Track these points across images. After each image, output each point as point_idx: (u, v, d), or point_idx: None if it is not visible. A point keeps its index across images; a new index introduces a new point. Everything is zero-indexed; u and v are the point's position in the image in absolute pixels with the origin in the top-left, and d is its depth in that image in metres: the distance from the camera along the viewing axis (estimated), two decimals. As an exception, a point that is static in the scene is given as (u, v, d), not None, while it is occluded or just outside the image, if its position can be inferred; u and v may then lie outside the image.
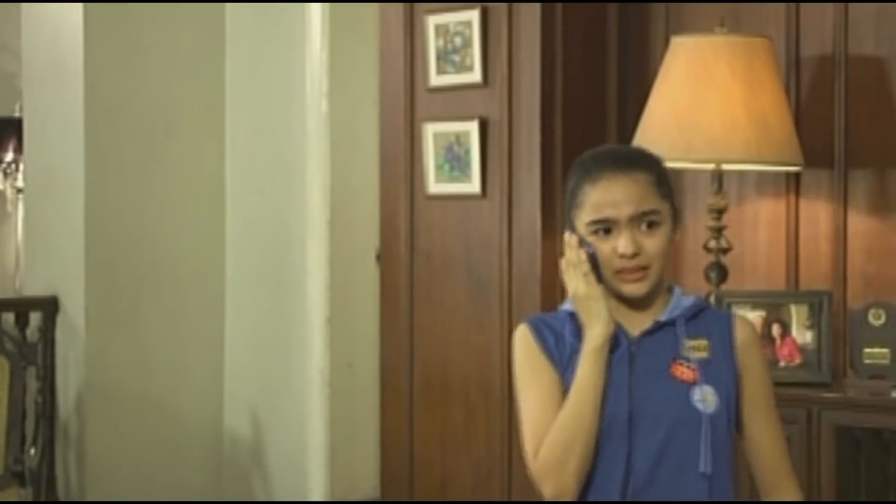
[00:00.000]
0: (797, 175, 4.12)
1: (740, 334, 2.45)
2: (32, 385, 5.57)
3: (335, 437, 5.67)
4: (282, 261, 5.82)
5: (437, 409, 4.52)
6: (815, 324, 3.93)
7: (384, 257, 4.71)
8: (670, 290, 2.49)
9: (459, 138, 4.44)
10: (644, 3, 4.45)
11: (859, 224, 4.05)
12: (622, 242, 2.38)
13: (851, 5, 4.06)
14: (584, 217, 2.42)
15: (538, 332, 2.49)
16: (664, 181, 2.45)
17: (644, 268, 2.39)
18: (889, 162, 4.02)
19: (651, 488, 2.36)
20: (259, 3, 5.80)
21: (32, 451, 5.46)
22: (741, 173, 4.18)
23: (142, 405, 5.73)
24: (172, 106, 5.83)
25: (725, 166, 3.92)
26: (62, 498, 5.62)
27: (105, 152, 5.63)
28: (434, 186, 4.53)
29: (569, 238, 2.43)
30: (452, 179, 4.47)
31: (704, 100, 3.79)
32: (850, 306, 4.01)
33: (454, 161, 4.46)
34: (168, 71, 5.81)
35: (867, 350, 3.90)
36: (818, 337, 3.92)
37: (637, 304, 2.44)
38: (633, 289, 2.40)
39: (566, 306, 2.50)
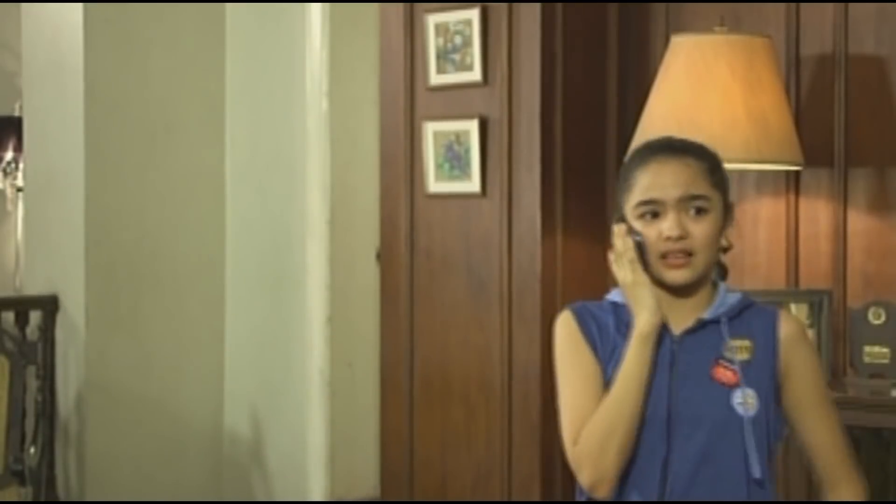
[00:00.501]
0: (797, 174, 4.12)
1: (784, 332, 2.41)
2: (32, 384, 5.57)
3: (335, 436, 5.68)
4: (282, 260, 5.82)
5: (437, 408, 4.52)
6: (815, 323, 3.93)
7: (384, 256, 4.71)
8: (716, 285, 2.45)
9: (459, 137, 4.44)
10: (644, 3, 4.46)
11: (859, 223, 4.05)
12: (668, 224, 2.35)
13: (851, 4, 4.06)
14: (632, 199, 2.39)
15: (582, 319, 2.46)
16: (717, 171, 2.42)
17: (689, 253, 2.35)
18: (889, 161, 4.02)
19: (691, 493, 2.33)
20: (259, 3, 5.80)
21: (32, 449, 5.46)
22: (741, 172, 4.18)
23: (142, 404, 5.73)
24: (172, 105, 5.83)
25: (725, 165, 3.91)
26: (62, 497, 5.62)
27: (105, 151, 5.63)
28: (434, 185, 4.53)
29: (617, 228, 2.40)
30: (452, 178, 4.47)
31: (704, 99, 3.79)
32: (850, 305, 4.01)
33: (454, 160, 4.46)
34: (168, 70, 5.81)
35: (867, 349, 3.90)
36: (818, 336, 3.92)
37: (681, 294, 2.39)
38: (677, 275, 2.36)
39: (611, 296, 2.47)
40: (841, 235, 4.06)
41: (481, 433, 4.42)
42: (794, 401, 2.41)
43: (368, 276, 5.54)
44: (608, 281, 4.47)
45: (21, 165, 6.93)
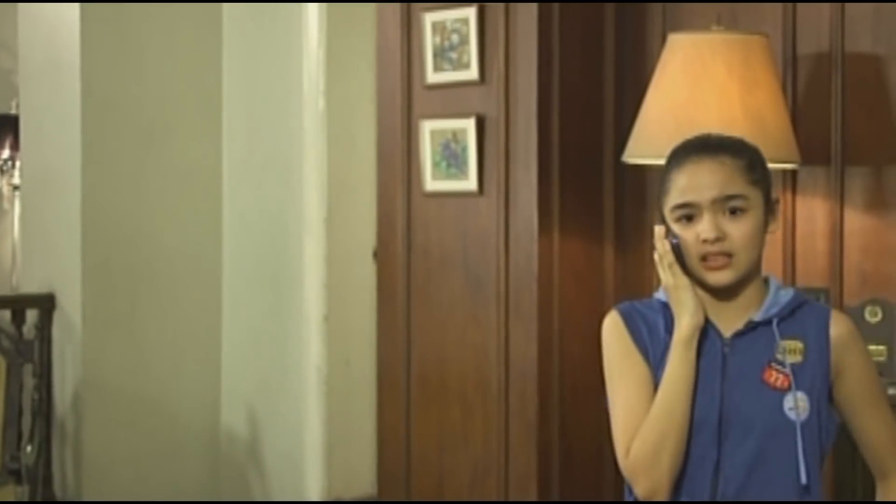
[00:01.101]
0: (794, 172, 4.12)
1: (836, 332, 2.38)
2: (29, 382, 5.57)
3: (332, 434, 5.67)
4: (279, 258, 5.82)
5: (434, 406, 4.53)
6: (811, 321, 3.93)
7: (381, 254, 4.71)
8: (767, 283, 2.42)
9: (456, 135, 4.44)
10: (641, 2, 4.46)
11: (856, 221, 4.05)
12: (703, 227, 2.32)
13: (848, 4, 4.06)
14: (669, 202, 2.37)
15: (631, 321, 2.43)
16: (756, 168, 2.38)
17: (728, 254, 2.32)
18: (886, 159, 4.03)
19: (742, 498, 2.32)
20: (256, 2, 5.80)
21: (29, 448, 5.46)
22: (738, 171, 4.18)
23: (138, 402, 5.73)
24: (169, 103, 5.83)
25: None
26: (58, 496, 5.62)
27: (102, 150, 5.63)
28: (431, 184, 4.53)
29: (657, 230, 2.37)
30: (449, 177, 4.47)
31: (701, 97, 3.80)
32: (847, 303, 4.01)
33: (451, 158, 4.46)
34: (165, 68, 5.81)
35: (864, 347, 3.91)
36: (815, 334, 3.92)
37: (727, 296, 2.37)
38: (717, 277, 2.33)
39: (659, 295, 2.44)
40: (837, 234, 4.06)
41: (478, 432, 4.42)
42: (847, 398, 2.39)
43: (365, 274, 5.54)
44: (605, 279, 4.49)
45: (17, 164, 6.93)
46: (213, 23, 5.93)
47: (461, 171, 4.43)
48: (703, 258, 2.33)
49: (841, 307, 4.01)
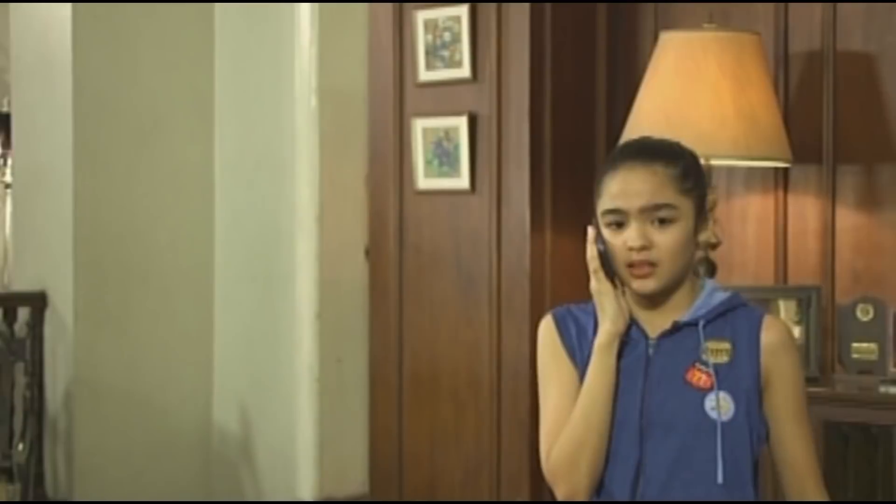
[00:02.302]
0: (785, 170, 4.13)
1: (767, 337, 2.35)
2: (20, 380, 5.56)
3: (324, 432, 5.67)
4: (271, 256, 5.82)
5: (426, 404, 4.53)
6: (803, 319, 3.94)
7: (373, 253, 4.71)
8: (703, 287, 2.41)
9: (448, 134, 4.44)
10: (633, 1, 4.46)
11: (847, 219, 4.05)
12: (630, 234, 2.32)
13: (840, 3, 4.06)
14: (600, 206, 2.38)
15: (562, 324, 2.44)
16: (689, 176, 2.36)
17: (653, 264, 2.32)
18: (877, 157, 4.03)
19: (665, 497, 2.31)
20: (248, 1, 5.80)
21: (20, 446, 5.45)
22: (730, 169, 4.18)
23: (130, 400, 5.72)
24: (161, 101, 5.82)
25: (714, 162, 3.92)
26: (50, 494, 5.61)
27: (94, 147, 5.62)
28: (423, 182, 4.52)
29: (589, 233, 2.39)
30: (441, 175, 4.47)
31: (693, 95, 3.80)
32: (839, 302, 4.02)
33: (443, 156, 4.46)
34: (157, 66, 5.80)
35: (855, 345, 3.91)
36: (806, 332, 3.93)
37: (654, 302, 2.37)
38: (641, 285, 2.33)
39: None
40: (829, 232, 4.07)
41: (470, 430, 4.42)
42: (771, 409, 2.36)
43: (357, 272, 5.53)
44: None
45: (9, 161, 6.92)
46: (205, 21, 5.92)
47: (453, 170, 4.43)
48: (630, 265, 2.34)
49: (832, 305, 4.02)
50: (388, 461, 4.62)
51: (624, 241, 2.33)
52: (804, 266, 4.11)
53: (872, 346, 3.89)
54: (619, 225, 2.35)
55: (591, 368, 2.35)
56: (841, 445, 3.70)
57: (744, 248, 4.19)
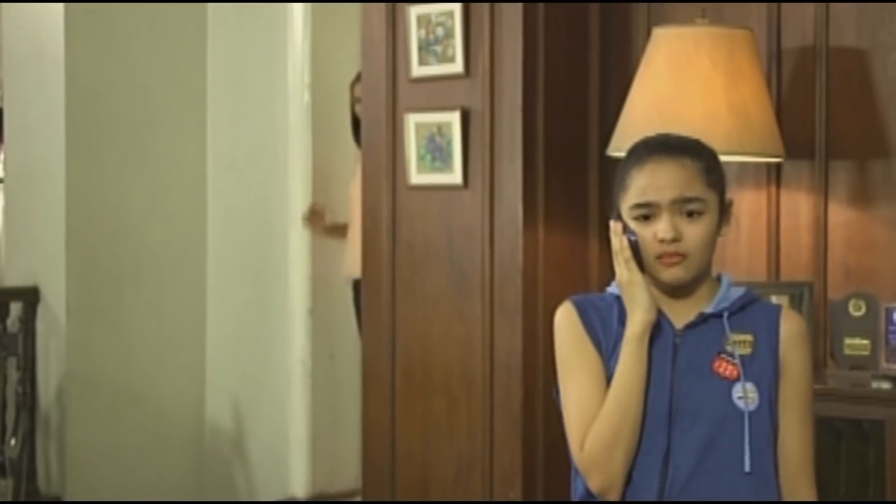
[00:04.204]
0: (778, 166, 4.13)
1: (785, 328, 2.41)
2: (13, 375, 5.56)
3: (317, 427, 5.68)
4: (263, 251, 5.82)
5: (418, 399, 4.53)
6: (795, 315, 3.94)
7: (366, 248, 4.71)
8: (720, 281, 2.46)
9: (441, 129, 4.43)
10: (626, -4, 4.46)
11: (840, 215, 4.06)
12: (662, 227, 2.35)
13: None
14: (628, 200, 2.40)
15: (584, 312, 2.45)
16: (714, 171, 2.42)
17: (683, 255, 2.36)
18: (869, 153, 4.03)
19: (692, 485, 2.34)
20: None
21: (13, 441, 5.46)
22: (722, 164, 4.18)
23: (123, 395, 5.72)
24: (154, 96, 5.82)
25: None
26: (43, 489, 5.61)
27: (86, 142, 5.62)
28: (416, 177, 4.52)
29: (614, 225, 2.40)
30: (434, 170, 4.47)
31: (686, 91, 3.80)
32: (831, 297, 4.02)
33: (436, 152, 4.45)
34: (150, 61, 5.80)
35: (847, 341, 3.92)
36: (799, 328, 3.92)
37: (680, 293, 2.41)
38: (672, 274, 2.37)
39: (612, 288, 2.47)
40: (822, 227, 4.07)
41: (463, 425, 4.42)
42: (780, 398, 2.40)
43: (350, 267, 5.54)
44: (589, 273, 4.49)
45: (1, 156, 6.91)
46: (198, 16, 5.92)
47: (446, 165, 4.43)
48: (659, 256, 2.37)
49: (825, 301, 4.02)
50: (380, 456, 4.62)
51: (654, 233, 2.37)
52: (796, 261, 4.12)
53: (865, 341, 3.89)
54: (647, 217, 2.38)
55: (624, 358, 2.37)
56: (833, 441, 3.70)
57: (736, 244, 4.19)
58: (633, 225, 2.39)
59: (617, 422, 2.35)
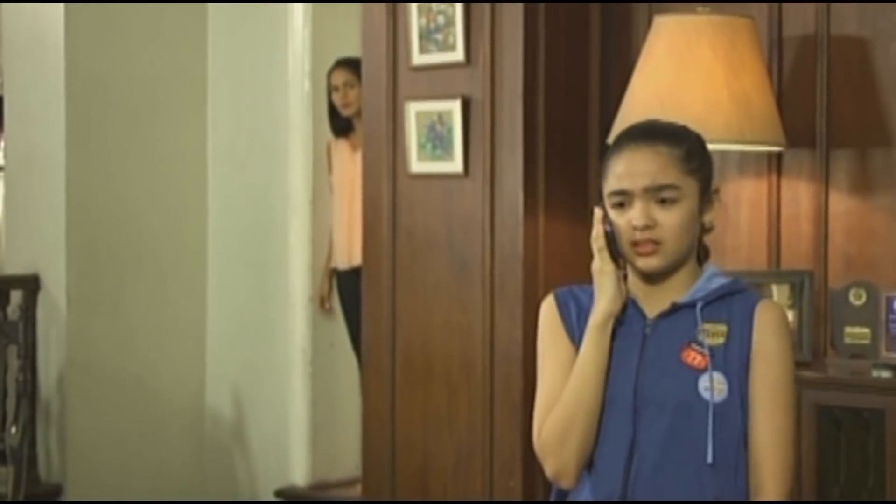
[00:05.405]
0: (779, 155, 4.13)
1: (760, 318, 2.36)
2: (13, 363, 5.56)
3: (317, 416, 5.68)
4: (264, 240, 5.82)
5: (418, 388, 4.53)
6: (796, 303, 3.94)
7: (366, 236, 4.70)
8: (705, 270, 2.43)
9: (442, 117, 4.43)
10: (627, -17, 4.45)
11: (840, 204, 4.05)
12: (634, 214, 2.34)
13: (834, -14, 4.06)
14: (607, 188, 2.40)
15: (562, 304, 2.46)
16: (694, 157, 2.39)
17: (657, 242, 2.34)
18: (870, 142, 4.03)
19: (658, 475, 2.32)
20: (241, -17, 5.79)
21: (14, 429, 5.46)
22: (723, 153, 4.18)
23: (123, 384, 5.72)
24: (155, 84, 5.82)
25: (708, 146, 3.92)
26: (43, 476, 5.62)
27: (87, 130, 5.62)
28: (416, 165, 4.52)
29: (596, 212, 2.40)
30: (435, 158, 4.46)
31: (687, 79, 3.79)
32: (831, 286, 4.02)
33: (436, 140, 4.45)
34: (150, 49, 5.79)
35: (848, 329, 3.92)
36: (799, 316, 3.93)
37: (656, 281, 2.39)
38: (645, 262, 2.35)
39: None
40: (822, 216, 4.07)
41: (463, 414, 4.42)
42: (749, 386, 2.35)
43: (350, 256, 5.54)
44: (589, 262, 4.48)
45: (1, 144, 6.91)
46: (199, 4, 5.91)
47: (446, 153, 4.43)
48: (633, 244, 2.36)
49: (825, 290, 4.02)
50: (380, 444, 4.63)
51: (628, 220, 2.36)
52: (797, 250, 4.12)
53: (865, 330, 3.89)
54: (623, 205, 2.37)
55: (583, 347, 2.37)
56: (833, 429, 3.70)
57: (737, 233, 4.19)
58: (611, 213, 2.39)
59: (571, 409, 2.35)
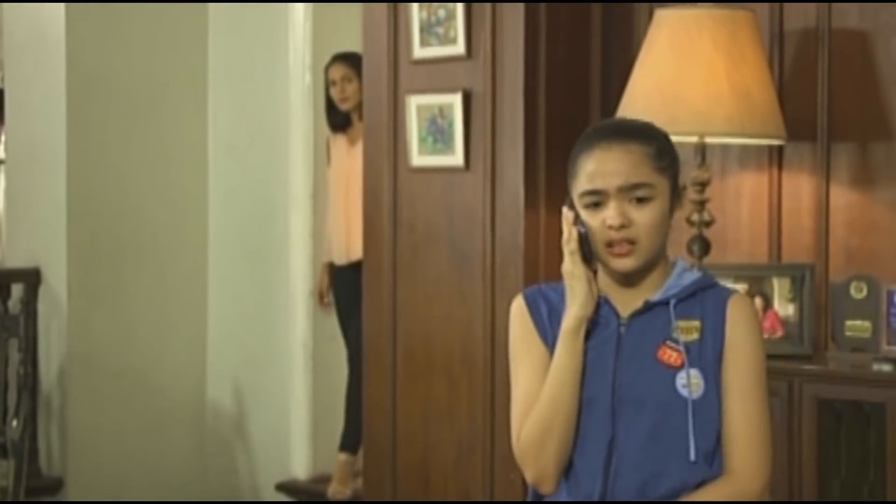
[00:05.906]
0: (780, 148, 4.13)
1: (731, 312, 2.37)
2: (14, 357, 5.56)
3: (318, 409, 5.68)
4: (265, 233, 5.82)
5: (419, 381, 4.53)
6: (797, 297, 3.94)
7: (367, 230, 4.70)
8: (674, 266, 2.43)
9: (443, 111, 4.43)
10: (628, -24, 4.45)
11: (841, 197, 4.05)
12: (610, 213, 2.33)
13: (835, -21, 4.06)
14: (578, 187, 2.38)
15: (532, 304, 2.45)
16: (664, 155, 2.38)
17: (632, 242, 2.33)
18: (871, 135, 4.03)
19: (637, 474, 2.32)
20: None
21: (14, 423, 5.46)
22: (724, 146, 4.18)
23: (124, 377, 5.72)
24: (155, 77, 5.81)
25: (709, 139, 3.92)
26: (44, 470, 5.62)
27: (87, 124, 5.62)
28: (417, 159, 4.52)
29: (565, 213, 2.39)
30: (436, 152, 4.46)
31: (688, 73, 3.79)
32: (832, 279, 4.02)
33: (437, 133, 4.45)
34: (151, 42, 5.78)
35: (849, 323, 3.92)
36: (800, 310, 3.93)
37: (630, 281, 2.38)
38: (621, 263, 2.35)
39: None
40: (823, 210, 4.07)
41: (464, 407, 4.43)
42: (722, 379, 2.36)
43: (351, 249, 5.54)
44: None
45: (2, 138, 6.91)
46: (199, -3, 5.90)
47: (447, 147, 4.43)
48: (609, 244, 2.35)
49: (826, 283, 4.02)
50: (381, 437, 4.63)
51: (602, 220, 2.35)
52: (798, 244, 4.11)
53: (866, 323, 3.89)
54: (597, 205, 2.36)
55: (557, 352, 2.36)
56: (834, 423, 3.71)
57: (738, 226, 4.19)
58: (583, 213, 2.37)
59: (548, 414, 2.34)
